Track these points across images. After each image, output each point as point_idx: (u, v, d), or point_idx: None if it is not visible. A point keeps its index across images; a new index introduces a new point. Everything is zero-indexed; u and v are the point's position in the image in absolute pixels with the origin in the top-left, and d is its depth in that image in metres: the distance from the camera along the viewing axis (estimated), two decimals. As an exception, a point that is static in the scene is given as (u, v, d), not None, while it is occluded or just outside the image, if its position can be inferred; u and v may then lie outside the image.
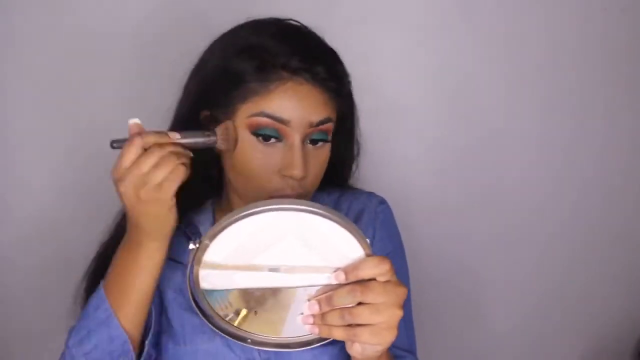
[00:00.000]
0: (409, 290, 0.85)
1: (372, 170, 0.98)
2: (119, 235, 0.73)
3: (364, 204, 0.86)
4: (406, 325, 0.82)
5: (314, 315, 0.58)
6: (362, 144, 0.86)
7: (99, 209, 0.85)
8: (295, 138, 0.69)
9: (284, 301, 0.59)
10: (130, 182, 0.60)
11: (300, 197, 0.70)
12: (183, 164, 0.61)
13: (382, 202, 0.87)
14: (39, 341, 1.08)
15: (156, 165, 0.59)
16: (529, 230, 1.24)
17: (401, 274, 0.85)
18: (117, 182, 0.61)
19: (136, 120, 0.62)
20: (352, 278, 0.56)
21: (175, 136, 0.63)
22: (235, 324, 0.62)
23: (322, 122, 0.70)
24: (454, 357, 1.26)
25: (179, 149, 0.62)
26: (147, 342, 0.72)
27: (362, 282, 0.56)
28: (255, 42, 0.70)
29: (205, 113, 0.73)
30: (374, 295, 0.55)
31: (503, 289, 1.26)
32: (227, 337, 0.63)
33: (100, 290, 0.69)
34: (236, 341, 0.63)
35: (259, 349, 0.67)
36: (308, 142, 0.71)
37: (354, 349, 0.58)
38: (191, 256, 0.56)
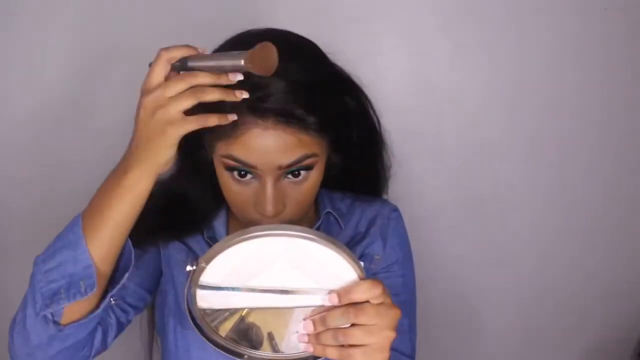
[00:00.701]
0: (414, 297, 0.86)
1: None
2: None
3: (377, 211, 0.87)
4: (411, 331, 0.83)
5: (309, 335, 0.59)
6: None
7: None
8: (267, 179, 0.67)
9: (282, 319, 0.60)
10: (153, 98, 0.60)
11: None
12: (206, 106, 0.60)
13: (395, 209, 0.89)
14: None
15: (180, 96, 0.59)
16: (529, 232, 1.24)
17: (408, 280, 0.87)
18: (143, 93, 0.61)
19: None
20: (345, 301, 0.57)
21: (205, 53, 0.62)
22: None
23: (296, 162, 0.67)
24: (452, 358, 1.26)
25: (208, 79, 0.60)
26: (125, 276, 0.69)
27: (355, 304, 0.56)
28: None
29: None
30: (366, 318, 0.56)
31: (502, 290, 1.26)
32: (224, 353, 0.63)
33: (78, 215, 0.68)
34: (234, 357, 0.64)
35: None
36: (285, 177, 0.69)
37: None
38: (189, 277, 0.57)
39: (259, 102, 0.63)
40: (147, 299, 0.84)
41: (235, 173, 0.68)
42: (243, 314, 0.61)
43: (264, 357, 0.63)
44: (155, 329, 0.89)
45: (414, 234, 0.90)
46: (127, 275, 0.69)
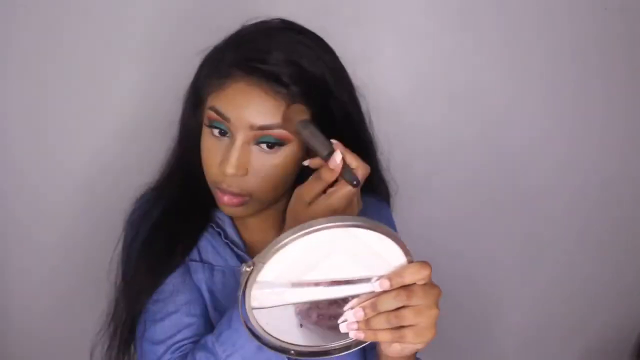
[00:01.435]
0: None
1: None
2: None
3: (364, 203, 0.86)
4: None
5: (358, 322, 0.60)
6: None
7: (110, 213, 0.86)
8: (239, 137, 0.70)
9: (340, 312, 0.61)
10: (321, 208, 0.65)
11: (236, 196, 0.74)
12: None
13: (381, 200, 0.90)
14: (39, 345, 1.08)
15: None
16: (529, 233, 1.24)
17: None
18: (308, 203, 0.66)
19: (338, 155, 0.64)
20: (396, 285, 0.59)
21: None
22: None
23: (268, 127, 0.70)
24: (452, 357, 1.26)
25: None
26: None
27: (405, 287, 0.59)
28: (215, 48, 0.75)
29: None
30: (417, 299, 0.58)
31: (512, 289, 1.26)
32: (270, 349, 0.63)
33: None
34: (280, 353, 0.64)
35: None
36: (257, 143, 0.71)
37: (392, 349, 0.61)
38: (244, 278, 0.57)
39: (254, 62, 0.69)
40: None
41: (215, 131, 0.72)
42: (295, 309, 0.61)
43: (310, 350, 0.64)
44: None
45: (422, 232, 0.91)
46: None
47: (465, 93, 1.14)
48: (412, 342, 0.59)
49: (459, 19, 1.11)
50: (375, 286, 0.59)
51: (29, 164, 1.06)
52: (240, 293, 0.58)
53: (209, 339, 0.71)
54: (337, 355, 0.65)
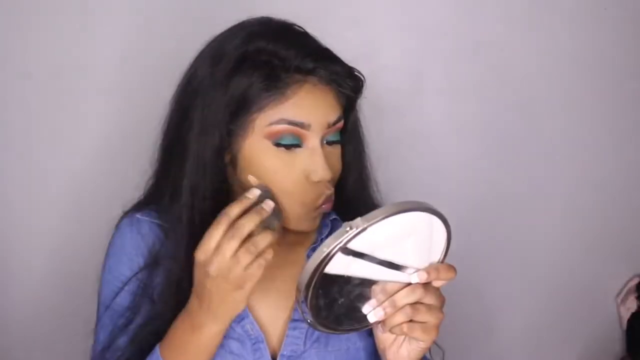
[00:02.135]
0: None
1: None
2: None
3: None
4: None
5: (385, 309, 0.61)
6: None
7: (101, 216, 0.84)
8: (315, 141, 0.68)
9: (365, 294, 0.62)
10: (217, 266, 0.61)
11: (331, 198, 0.71)
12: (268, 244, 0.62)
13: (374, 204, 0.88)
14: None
15: (241, 254, 0.60)
16: (529, 234, 1.24)
17: None
18: (202, 260, 0.61)
19: (254, 192, 0.65)
20: (430, 279, 0.61)
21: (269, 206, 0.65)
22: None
23: (337, 121, 0.70)
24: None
25: (253, 224, 0.62)
26: None
27: (423, 284, 0.61)
28: (256, 49, 0.67)
29: (228, 155, 0.70)
30: (430, 298, 0.61)
31: (513, 290, 1.26)
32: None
33: (157, 355, 0.69)
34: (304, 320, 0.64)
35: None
36: (325, 143, 0.70)
37: (400, 354, 0.65)
38: (343, 238, 0.56)
39: (307, 62, 0.66)
40: None
41: (283, 147, 0.67)
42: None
43: (324, 330, 0.64)
44: None
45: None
46: None
47: (467, 93, 1.14)
48: (419, 337, 0.62)
49: (458, 20, 1.11)
50: (413, 277, 0.61)
51: (17, 169, 1.05)
52: (332, 249, 0.57)
53: None
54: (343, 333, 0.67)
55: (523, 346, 1.31)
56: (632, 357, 1.31)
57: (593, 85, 1.18)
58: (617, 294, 1.31)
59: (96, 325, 0.77)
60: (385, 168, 0.91)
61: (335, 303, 0.62)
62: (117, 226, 0.78)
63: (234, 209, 0.62)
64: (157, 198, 0.76)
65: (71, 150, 1.05)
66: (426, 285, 0.61)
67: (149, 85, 0.98)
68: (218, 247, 0.61)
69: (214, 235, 0.61)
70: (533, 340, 1.31)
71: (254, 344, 0.73)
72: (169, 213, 0.73)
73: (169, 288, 0.72)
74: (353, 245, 0.57)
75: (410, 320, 0.61)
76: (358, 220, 0.56)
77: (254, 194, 0.65)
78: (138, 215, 0.77)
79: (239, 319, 0.73)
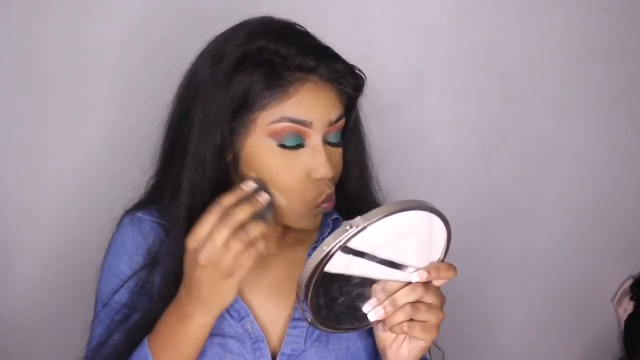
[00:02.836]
0: None
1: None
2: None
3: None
4: None
5: (385, 308, 0.62)
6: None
7: (101, 215, 0.84)
8: (317, 139, 0.68)
9: (365, 293, 0.62)
10: (207, 254, 0.60)
11: (332, 197, 0.71)
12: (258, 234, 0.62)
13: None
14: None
15: (231, 243, 0.60)
16: (530, 234, 1.24)
17: None
18: (193, 249, 0.61)
19: (249, 184, 0.65)
20: (430, 279, 0.61)
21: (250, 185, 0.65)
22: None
23: (338, 119, 0.70)
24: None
25: (244, 214, 0.62)
26: None
27: (423, 283, 0.61)
28: (258, 48, 0.67)
29: (230, 153, 0.70)
30: (430, 296, 0.61)
31: (515, 288, 1.27)
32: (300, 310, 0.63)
33: (145, 348, 0.69)
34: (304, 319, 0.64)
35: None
36: (326, 143, 0.70)
37: (400, 353, 0.65)
38: (343, 236, 0.56)
39: (308, 60, 0.66)
40: None
41: (287, 145, 0.67)
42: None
43: (324, 329, 0.64)
44: None
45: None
46: None
47: (465, 93, 1.15)
48: (419, 336, 0.62)
49: (458, 20, 1.11)
50: (413, 276, 0.61)
51: (19, 168, 1.05)
52: (332, 248, 0.57)
53: None
54: (343, 332, 0.67)
55: (522, 347, 1.31)
56: (630, 358, 1.31)
57: (593, 85, 1.18)
58: (612, 296, 1.31)
59: (92, 321, 0.77)
60: (386, 167, 0.91)
61: (335, 302, 0.62)
62: (119, 224, 0.78)
63: (228, 199, 0.62)
64: (158, 197, 0.76)
65: (72, 149, 1.05)
66: (426, 284, 0.61)
67: (150, 84, 0.98)
68: (209, 235, 0.61)
69: (206, 223, 0.61)
70: (532, 341, 1.31)
71: (254, 343, 0.73)
72: (169, 212, 0.73)
73: (167, 287, 0.72)
74: (353, 244, 0.57)
75: (411, 319, 0.61)
76: (358, 219, 0.56)
77: (249, 185, 0.65)
78: (139, 214, 0.77)
79: (239, 317, 0.73)
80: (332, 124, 0.69)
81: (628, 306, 1.31)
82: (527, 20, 1.13)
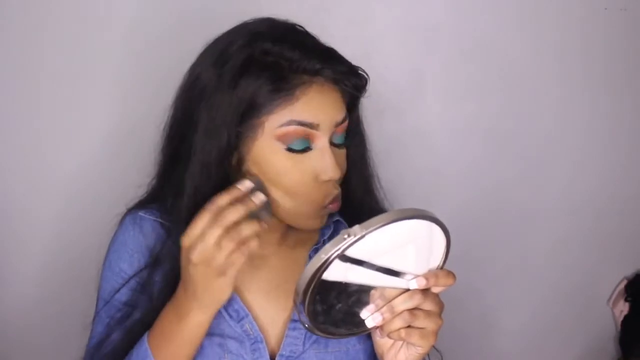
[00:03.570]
0: None
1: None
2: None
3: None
4: None
5: (383, 315, 0.62)
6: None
7: (100, 215, 0.84)
8: (324, 141, 0.68)
9: (363, 299, 0.62)
10: (200, 253, 0.61)
11: (338, 198, 0.71)
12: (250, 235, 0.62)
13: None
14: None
15: (223, 241, 0.61)
16: (530, 235, 1.24)
17: None
18: (186, 247, 0.62)
19: (246, 183, 0.65)
20: (428, 286, 0.61)
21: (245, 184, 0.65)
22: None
23: (343, 120, 0.70)
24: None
25: (237, 214, 0.62)
26: None
27: (421, 290, 0.61)
28: (262, 50, 0.67)
29: (235, 156, 0.70)
30: (429, 304, 0.61)
31: (516, 289, 1.27)
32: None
33: (145, 344, 0.69)
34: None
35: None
36: (331, 144, 0.70)
37: (398, 359, 0.65)
38: (341, 245, 0.56)
39: (314, 63, 0.67)
40: None
41: (294, 149, 0.67)
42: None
43: (322, 335, 0.64)
44: None
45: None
46: None
47: (465, 93, 1.14)
48: (416, 343, 0.62)
49: (458, 20, 1.11)
50: (412, 284, 0.61)
51: (18, 167, 1.05)
52: (330, 257, 0.57)
53: None
54: (341, 338, 0.67)
55: (520, 348, 1.31)
56: (625, 359, 1.32)
57: (593, 85, 1.18)
58: (607, 298, 1.32)
59: (93, 319, 0.78)
60: (386, 168, 0.91)
61: (333, 308, 0.61)
62: (121, 222, 0.78)
63: (223, 199, 0.63)
64: (161, 198, 0.77)
65: (72, 150, 1.05)
66: (425, 291, 0.61)
67: (152, 83, 0.98)
68: (202, 233, 0.61)
69: (199, 222, 0.62)
70: (530, 342, 1.31)
71: (252, 343, 0.73)
72: (171, 213, 0.73)
73: (168, 286, 0.72)
74: (351, 253, 0.57)
75: (409, 326, 0.61)
76: (356, 227, 0.56)
77: (245, 185, 0.65)
78: (141, 213, 0.77)
79: (239, 318, 0.73)
80: (338, 125, 0.69)
81: (624, 307, 1.31)
82: (527, 20, 1.13)
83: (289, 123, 0.66)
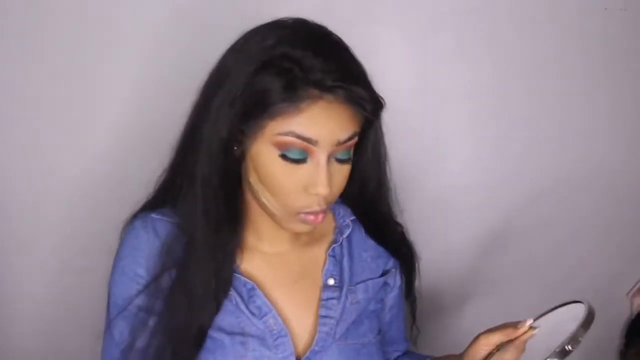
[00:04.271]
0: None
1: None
2: None
3: None
4: (403, 320, 0.92)
5: None
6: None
7: (103, 216, 0.84)
8: (322, 157, 0.68)
9: None
10: None
11: (323, 212, 0.71)
12: None
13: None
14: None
15: None
16: (532, 234, 1.24)
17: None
18: None
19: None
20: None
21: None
22: None
23: (349, 139, 0.69)
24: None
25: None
26: None
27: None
28: (282, 54, 0.66)
29: (238, 149, 0.70)
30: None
31: (508, 294, 1.27)
32: None
33: None
34: None
35: None
36: (333, 159, 0.70)
37: None
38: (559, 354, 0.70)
39: (327, 79, 0.65)
40: None
41: (289, 161, 0.67)
42: None
43: None
44: None
45: (426, 230, 0.91)
46: None
47: (466, 93, 1.15)
48: None
49: (459, 20, 1.11)
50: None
51: (24, 168, 1.05)
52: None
53: None
54: None
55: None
56: (625, 347, 1.32)
57: (593, 85, 1.18)
58: (627, 292, 1.32)
59: (107, 326, 0.76)
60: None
61: None
62: (130, 227, 0.78)
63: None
64: (171, 191, 0.76)
65: (78, 151, 1.05)
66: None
67: (161, 85, 0.99)
68: None
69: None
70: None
71: (275, 339, 0.73)
72: (184, 205, 0.73)
73: (184, 285, 0.72)
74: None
75: None
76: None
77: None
78: (153, 215, 0.77)
79: (261, 315, 0.74)
80: (340, 143, 0.68)
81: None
82: (530, 19, 1.13)
83: (288, 134, 0.66)
